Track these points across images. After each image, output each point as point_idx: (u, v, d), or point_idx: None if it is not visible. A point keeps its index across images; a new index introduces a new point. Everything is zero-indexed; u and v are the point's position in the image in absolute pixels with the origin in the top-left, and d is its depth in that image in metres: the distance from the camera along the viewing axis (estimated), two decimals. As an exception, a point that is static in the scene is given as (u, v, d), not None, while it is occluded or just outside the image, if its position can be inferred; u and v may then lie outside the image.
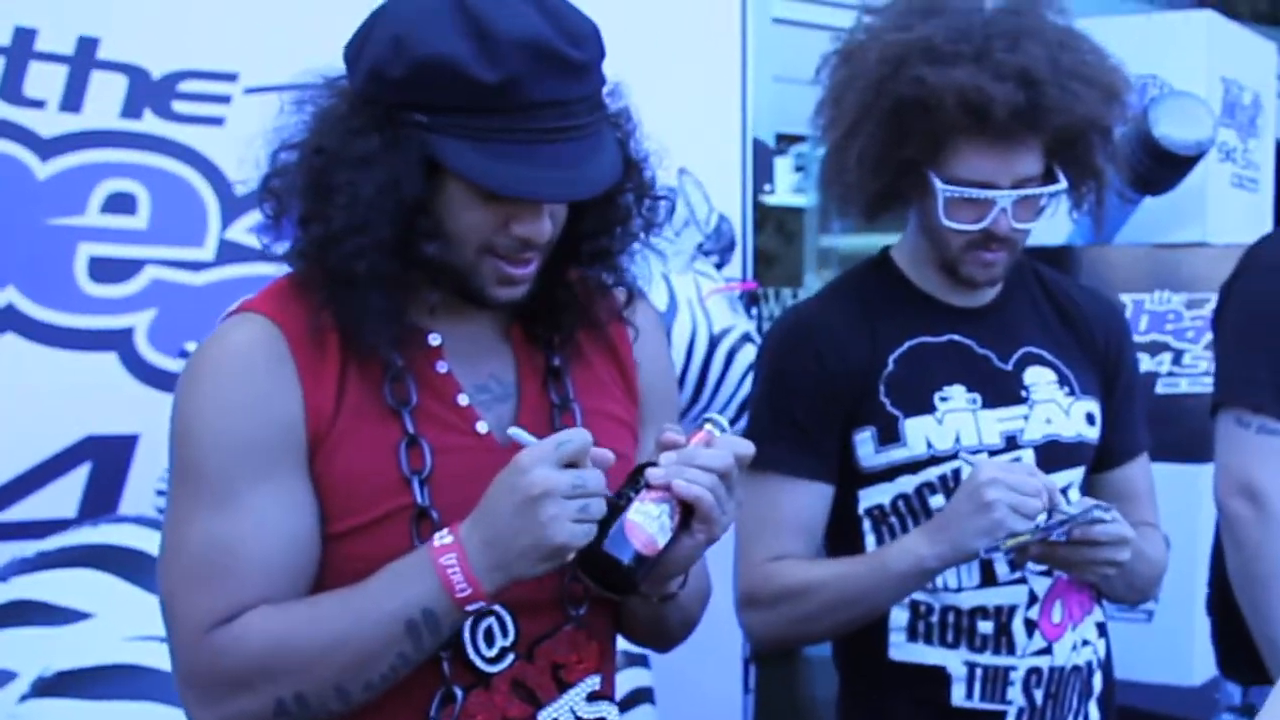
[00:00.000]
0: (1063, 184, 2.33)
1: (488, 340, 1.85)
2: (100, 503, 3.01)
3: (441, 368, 1.79)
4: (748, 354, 3.62)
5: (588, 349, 1.90)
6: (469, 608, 1.64)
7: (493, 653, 1.76)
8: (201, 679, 1.69)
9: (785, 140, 6.18)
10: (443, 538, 1.65)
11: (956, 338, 2.39)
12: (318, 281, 1.72)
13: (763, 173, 4.83)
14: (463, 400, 1.79)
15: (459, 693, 1.74)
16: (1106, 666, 2.50)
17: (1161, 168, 4.04)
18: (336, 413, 1.72)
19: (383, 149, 1.66)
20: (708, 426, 1.75)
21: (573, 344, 1.88)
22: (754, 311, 3.99)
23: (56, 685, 2.57)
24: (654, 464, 1.70)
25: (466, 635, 1.74)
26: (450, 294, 1.79)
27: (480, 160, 1.64)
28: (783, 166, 6.84)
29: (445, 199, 1.69)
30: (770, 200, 6.68)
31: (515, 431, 1.69)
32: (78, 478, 2.99)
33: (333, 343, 1.74)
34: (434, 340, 1.79)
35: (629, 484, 1.70)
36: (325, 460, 1.72)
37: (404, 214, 1.67)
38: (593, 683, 1.84)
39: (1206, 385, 3.82)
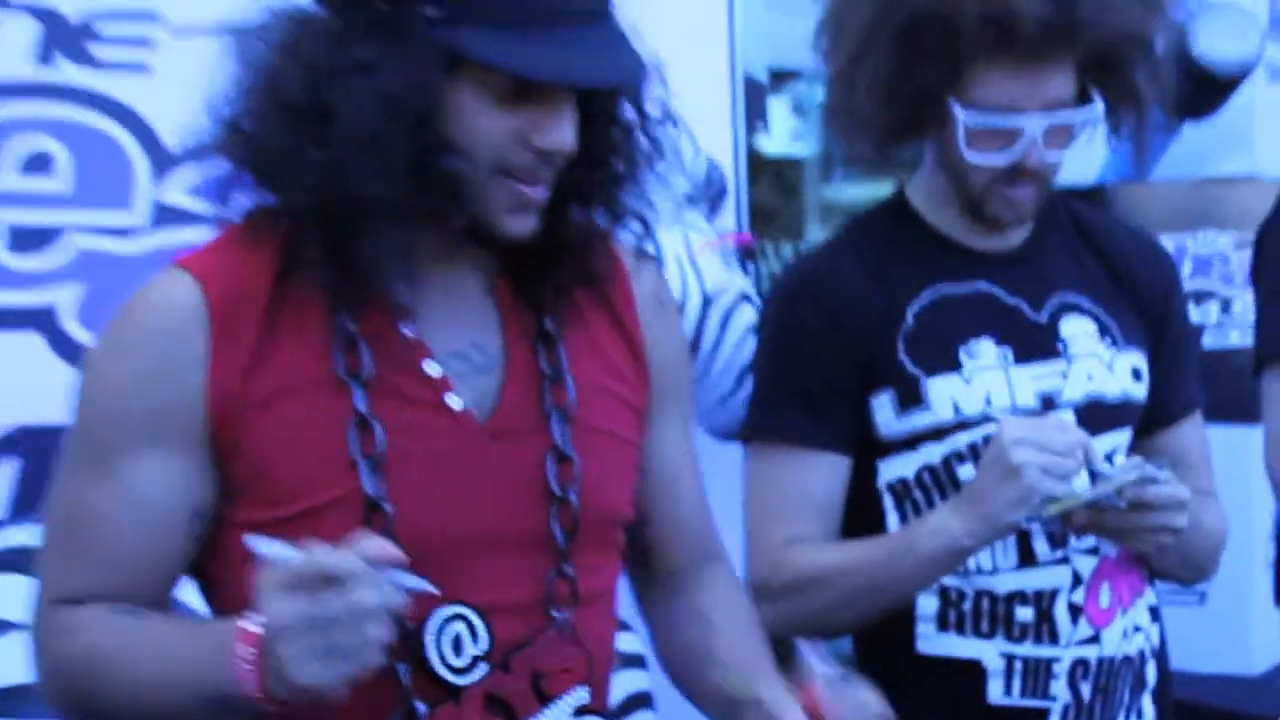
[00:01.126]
0: (1099, 107, 2.26)
1: (470, 299, 1.75)
2: (32, 501, 2.90)
3: (408, 331, 1.70)
4: (745, 315, 3.56)
5: (587, 313, 1.81)
6: (266, 707, 1.54)
7: (462, 662, 1.68)
8: (39, 648, 1.72)
9: (781, 78, 6.11)
10: (253, 622, 1.52)
11: (983, 286, 2.32)
12: (298, 223, 1.65)
13: (755, 112, 4.78)
14: (431, 370, 1.70)
15: (422, 709, 1.66)
16: (1161, 655, 2.44)
17: (1202, 90, 3.98)
18: (264, 384, 1.65)
19: (388, 52, 1.59)
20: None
21: (568, 304, 1.78)
22: (750, 268, 3.91)
23: (-17, 704, 2.51)
24: None
25: (431, 642, 1.66)
26: (442, 233, 1.70)
27: (508, 45, 1.58)
28: (778, 109, 6.76)
29: (458, 108, 1.61)
30: (767, 149, 6.61)
31: (253, 542, 1.55)
32: (5, 473, 2.96)
33: (280, 301, 1.67)
34: (398, 297, 1.68)
35: None
36: (252, 438, 1.65)
37: (419, 126, 1.60)
38: (580, 695, 1.76)
39: (1261, 337, 3.75)
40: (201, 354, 1.64)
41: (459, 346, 1.73)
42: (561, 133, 1.64)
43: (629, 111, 1.74)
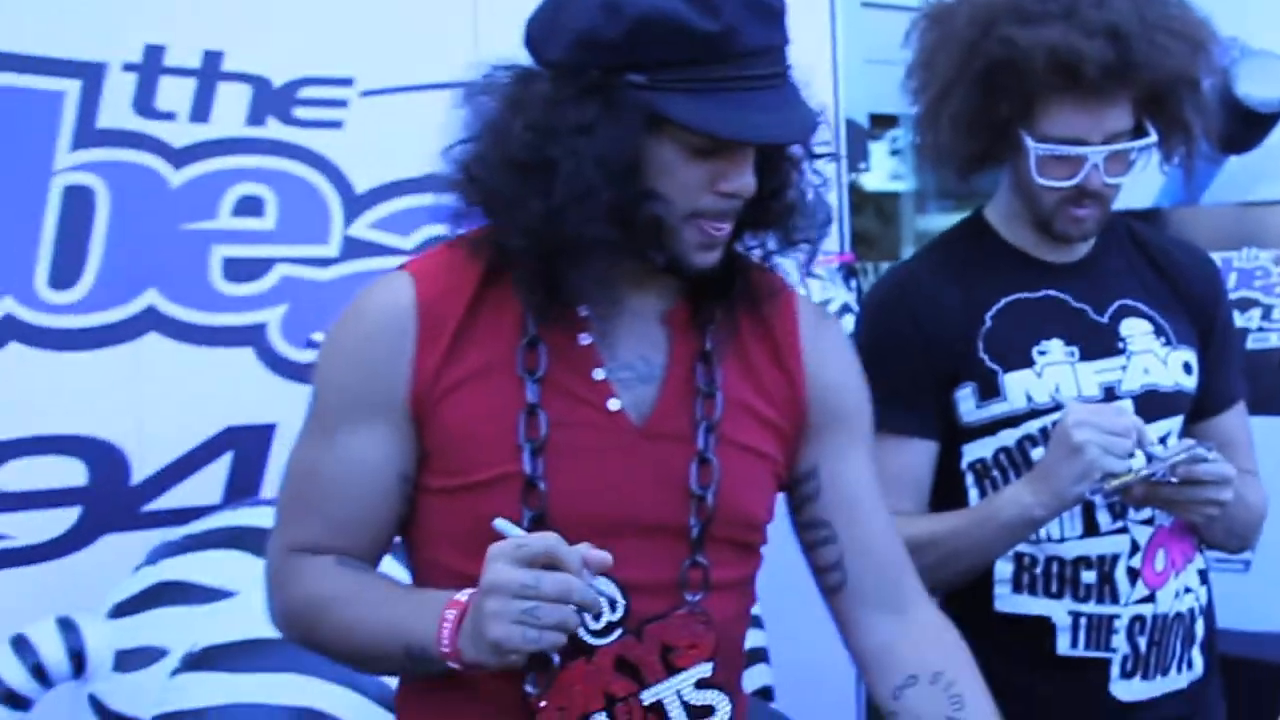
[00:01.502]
0: (1153, 137, 2.22)
1: (647, 319, 1.73)
2: (243, 489, 3.00)
3: (584, 340, 1.69)
4: (847, 323, 3.51)
5: (749, 339, 1.77)
6: (451, 662, 1.57)
7: (599, 626, 1.65)
8: (271, 590, 1.76)
9: (879, 122, 6.05)
10: (464, 593, 1.57)
11: (1052, 293, 2.29)
12: (510, 247, 1.64)
13: (857, 151, 4.74)
14: (598, 375, 1.68)
15: (556, 659, 1.63)
16: (1209, 613, 2.39)
17: (1244, 126, 3.86)
18: (456, 372, 1.66)
19: (601, 114, 1.58)
20: None
21: (732, 329, 1.75)
22: (852, 284, 3.88)
23: (204, 659, 2.54)
24: None
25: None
26: (637, 265, 1.68)
27: (703, 109, 1.57)
28: (879, 151, 6.70)
29: (658, 161, 1.61)
30: (869, 185, 6.55)
31: (500, 523, 1.57)
32: (221, 467, 2.99)
33: (479, 304, 1.68)
34: (582, 311, 1.69)
35: None
36: (440, 417, 1.67)
37: (625, 177, 1.59)
38: (703, 670, 1.70)
39: (1299, 339, 3.66)
40: (409, 343, 1.66)
41: (630, 359, 1.71)
42: (744, 179, 1.63)
43: (798, 151, 1.72)
